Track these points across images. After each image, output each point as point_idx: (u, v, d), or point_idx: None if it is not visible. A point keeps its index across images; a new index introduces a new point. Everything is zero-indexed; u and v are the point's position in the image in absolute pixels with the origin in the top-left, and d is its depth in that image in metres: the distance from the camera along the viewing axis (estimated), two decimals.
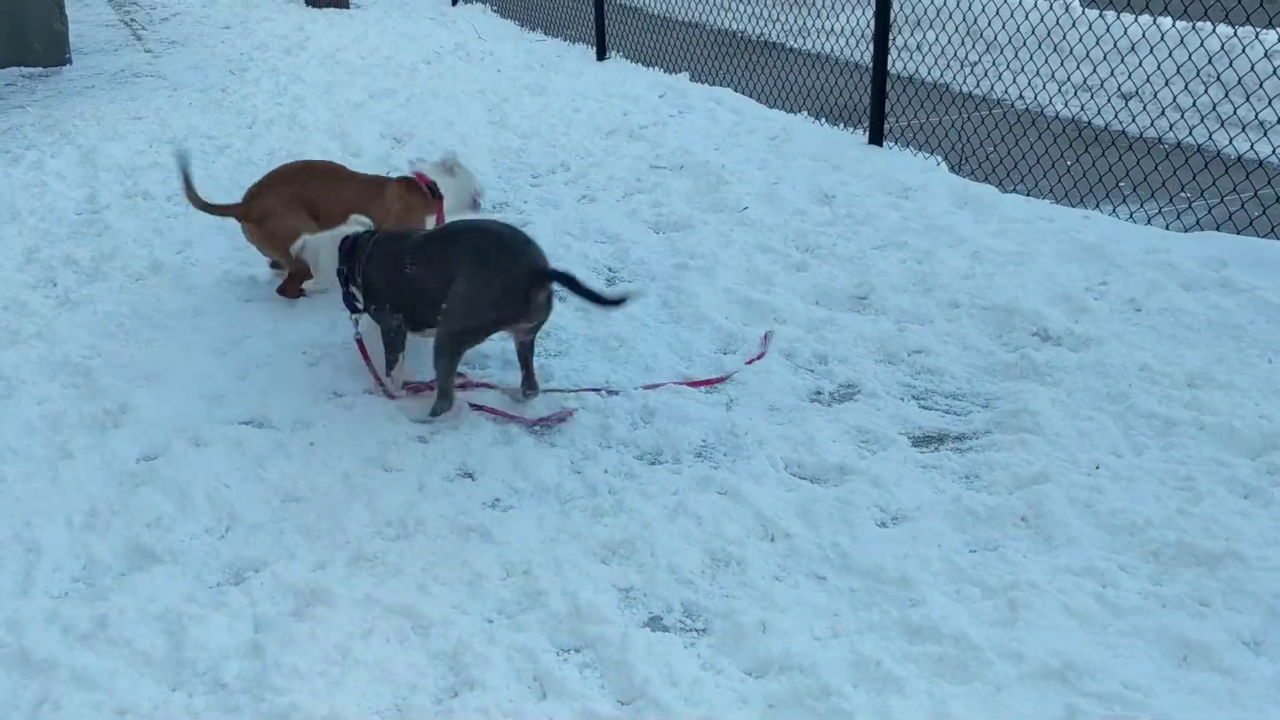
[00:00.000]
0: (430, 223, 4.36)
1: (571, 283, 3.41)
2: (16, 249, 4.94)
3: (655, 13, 10.39)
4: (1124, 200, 5.27)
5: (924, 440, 3.40)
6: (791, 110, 6.84)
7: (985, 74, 7.19)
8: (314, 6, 11.19)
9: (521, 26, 10.13)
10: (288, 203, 4.32)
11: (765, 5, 9.36)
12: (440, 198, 4.42)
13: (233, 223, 5.22)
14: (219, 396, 3.71)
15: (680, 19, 9.72)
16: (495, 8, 10.94)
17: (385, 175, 4.73)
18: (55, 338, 4.11)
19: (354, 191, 4.38)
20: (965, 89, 7.29)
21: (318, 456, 3.37)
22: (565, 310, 4.33)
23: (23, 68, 8.83)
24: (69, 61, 9.03)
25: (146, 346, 4.06)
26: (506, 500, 3.16)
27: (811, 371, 3.81)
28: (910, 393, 3.67)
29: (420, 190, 4.40)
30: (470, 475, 3.29)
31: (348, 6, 11.26)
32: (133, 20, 11.15)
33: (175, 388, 3.76)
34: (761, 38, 9.19)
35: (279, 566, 2.85)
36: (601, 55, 8.65)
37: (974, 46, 7.30)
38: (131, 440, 3.44)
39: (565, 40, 9.39)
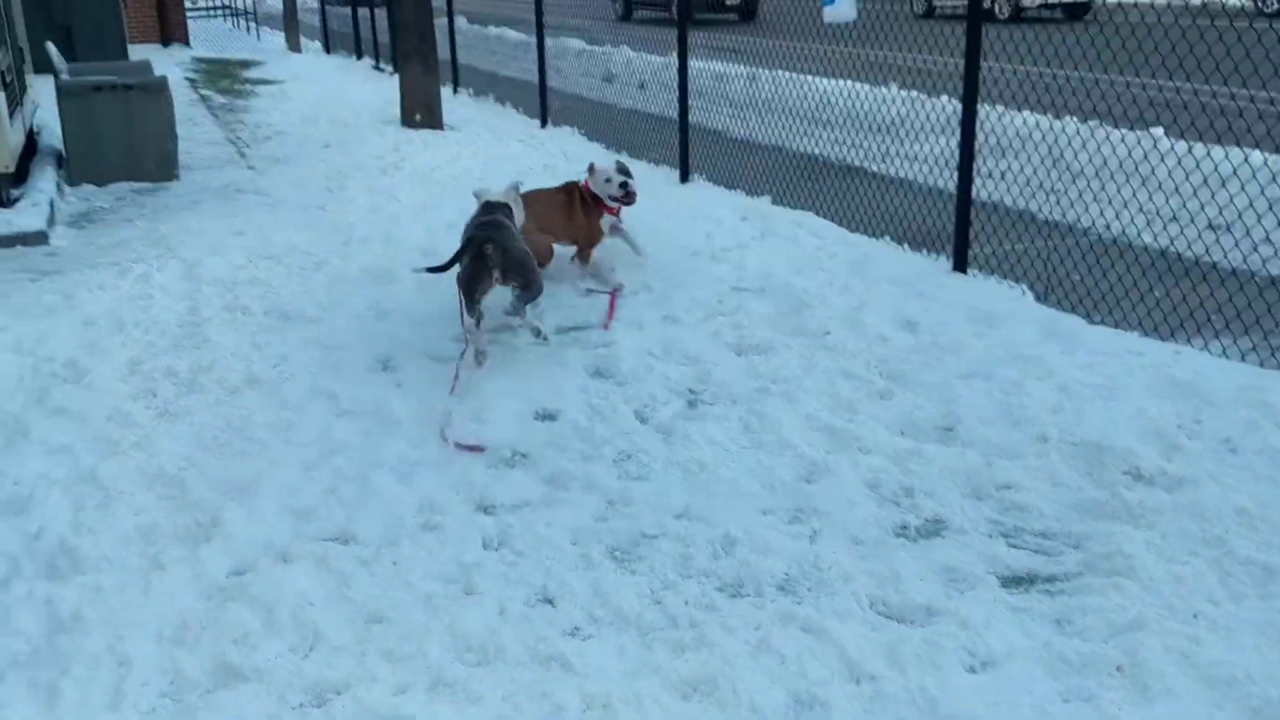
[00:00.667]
0: None
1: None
2: (121, 360, 5.13)
3: (737, 136, 10.63)
4: (1216, 335, 5.19)
5: (1013, 581, 3.33)
6: (874, 235, 6.89)
7: (1071, 203, 7.19)
8: (410, 127, 11.63)
9: (608, 149, 10.40)
10: None
11: (847, 130, 9.50)
12: None
13: (328, 336, 5.41)
14: (307, 512, 3.78)
15: (762, 143, 9.91)
16: (583, 131, 11.25)
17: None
18: (153, 449, 4.24)
19: None
20: (1050, 217, 7.29)
21: (401, 577, 3.40)
22: (646, 432, 4.36)
23: (133, 183, 9.27)
24: (177, 177, 9.46)
25: (239, 459, 4.17)
26: (586, 629, 3.15)
27: (897, 504, 3.77)
28: (999, 530, 3.61)
29: None
30: (550, 601, 3.28)
31: (442, 128, 11.68)
32: (238, 138, 11.68)
33: (265, 502, 3.83)
34: (843, 162, 9.31)
35: (360, 689, 2.85)
36: (685, 178, 8.83)
37: (1059, 176, 7.32)
38: (222, 554, 3.50)
39: (649, 163, 9.60)
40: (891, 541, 3.54)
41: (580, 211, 6.30)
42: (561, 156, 9.97)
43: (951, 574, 3.35)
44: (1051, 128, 7.31)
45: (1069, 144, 6.98)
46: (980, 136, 6.11)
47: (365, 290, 6.19)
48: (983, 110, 6.02)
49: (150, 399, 4.73)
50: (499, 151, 10.33)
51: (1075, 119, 7.61)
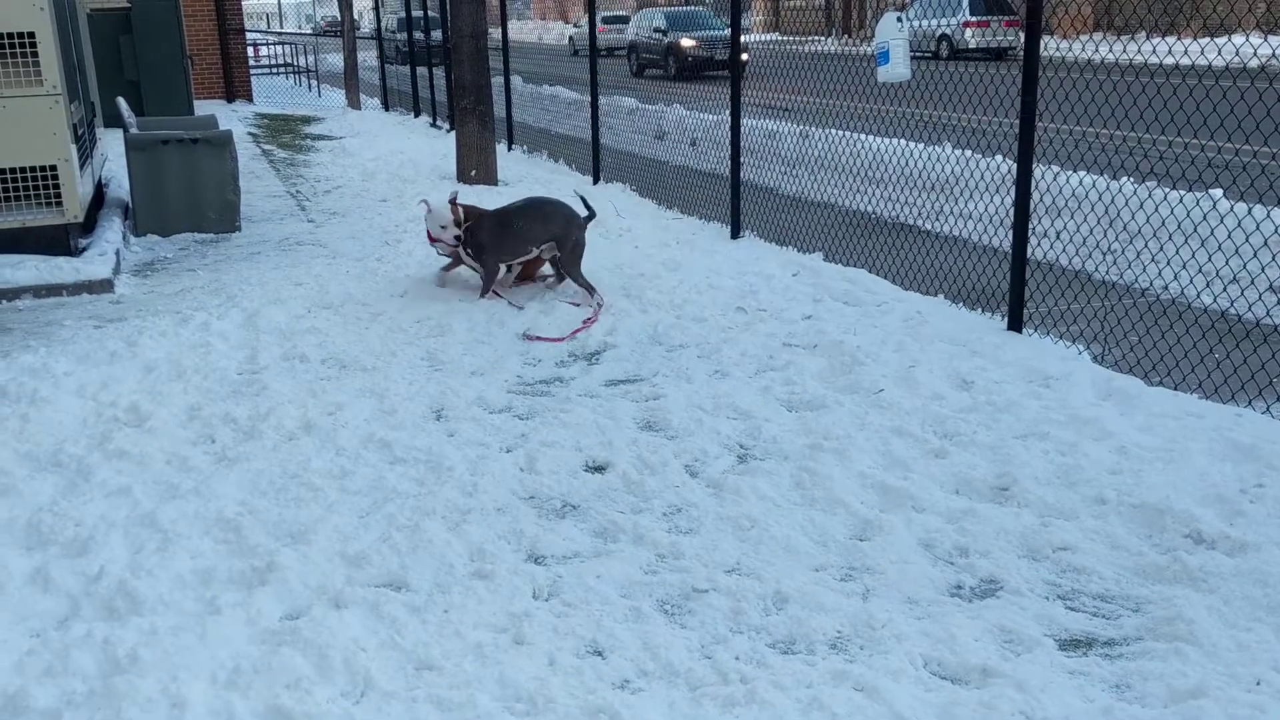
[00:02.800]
0: None
1: None
2: (180, 406, 5.22)
3: (788, 193, 10.68)
4: (1278, 399, 5.10)
5: (1071, 644, 3.27)
6: (927, 293, 6.88)
7: (1129, 264, 7.14)
8: (465, 183, 11.81)
9: (659, 205, 10.49)
10: None
11: (899, 188, 9.53)
12: None
13: (383, 385, 5.48)
14: (360, 558, 3.80)
15: (813, 199, 9.95)
16: (634, 187, 11.37)
17: None
18: (211, 493, 4.30)
19: None
20: (1106, 277, 7.24)
21: (452, 625, 3.40)
22: (697, 487, 4.35)
23: (196, 234, 9.49)
24: (239, 229, 9.67)
25: (295, 505, 4.21)
26: (636, 682, 3.13)
27: (951, 564, 3.73)
28: (1056, 592, 3.55)
29: None
30: (600, 654, 3.27)
31: (496, 183, 11.85)
32: (298, 192, 11.93)
33: (319, 547, 3.87)
34: (895, 220, 9.33)
35: None
36: (736, 233, 8.88)
37: (1115, 236, 7.27)
38: (276, 599, 3.53)
39: (700, 219, 9.67)
40: (946, 601, 3.49)
41: None
42: (612, 212, 10.06)
43: (1008, 635, 3.29)
44: (1108, 188, 7.27)
45: (1125, 204, 6.93)
46: (1035, 195, 6.10)
47: (420, 341, 6.26)
48: (1038, 170, 6.01)
49: (209, 444, 4.81)
50: None
51: (1131, 179, 7.57)
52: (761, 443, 4.75)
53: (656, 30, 29.57)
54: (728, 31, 8.43)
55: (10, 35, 7.59)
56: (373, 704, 3.02)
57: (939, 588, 3.58)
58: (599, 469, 4.56)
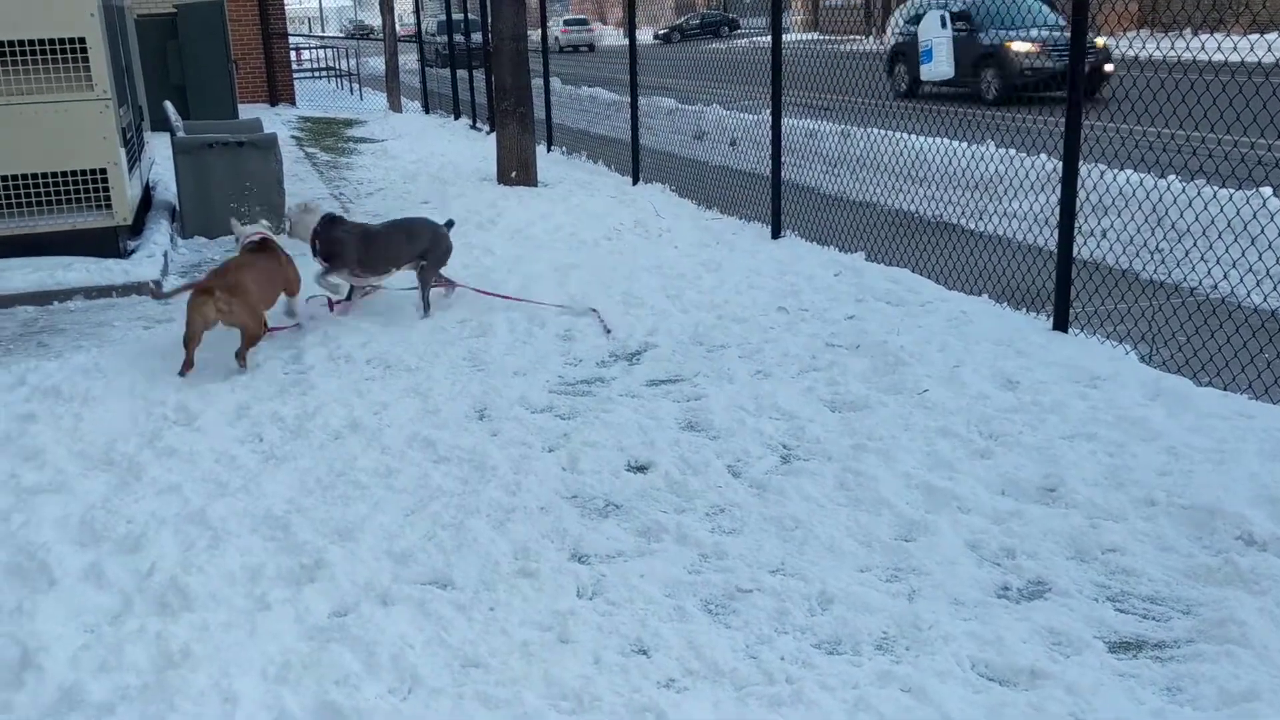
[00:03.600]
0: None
1: None
2: (229, 405, 5.29)
3: (829, 192, 10.63)
4: None
5: (1121, 646, 3.24)
6: (971, 293, 6.83)
7: (1177, 263, 7.05)
8: (505, 184, 11.86)
9: (698, 205, 10.49)
10: None
11: (942, 187, 9.46)
12: None
13: (427, 385, 5.52)
14: (406, 556, 3.84)
15: (855, 199, 9.90)
16: (673, 187, 11.37)
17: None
18: (259, 491, 4.35)
19: None
20: (1153, 276, 7.15)
21: (498, 622, 3.43)
22: (740, 487, 4.35)
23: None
24: (285, 231, 9.76)
25: (341, 503, 4.26)
26: (681, 681, 3.14)
27: (998, 565, 3.70)
28: (1105, 594, 3.51)
29: None
30: (645, 652, 3.28)
31: (536, 185, 11.89)
32: (341, 194, 12.04)
33: (366, 545, 3.91)
34: (938, 219, 9.26)
35: None
36: (776, 233, 8.86)
37: (1163, 235, 7.18)
38: (324, 596, 3.57)
39: (740, 219, 9.66)
40: (993, 603, 3.47)
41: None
42: (652, 213, 10.08)
43: (1056, 637, 3.27)
44: (1155, 186, 7.17)
45: (1174, 202, 6.85)
46: (1081, 194, 6.04)
47: (462, 342, 6.31)
48: (1083, 167, 5.95)
49: (257, 443, 4.87)
50: (591, 207, 10.47)
51: (1179, 177, 7.47)
52: (805, 443, 4.74)
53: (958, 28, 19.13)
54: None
55: (62, 41, 7.72)
56: (420, 700, 3.05)
57: (986, 589, 3.55)
58: (641, 469, 4.57)
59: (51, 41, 7.71)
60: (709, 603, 3.55)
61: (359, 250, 6.69)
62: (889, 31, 21.53)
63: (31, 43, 7.66)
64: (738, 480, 4.43)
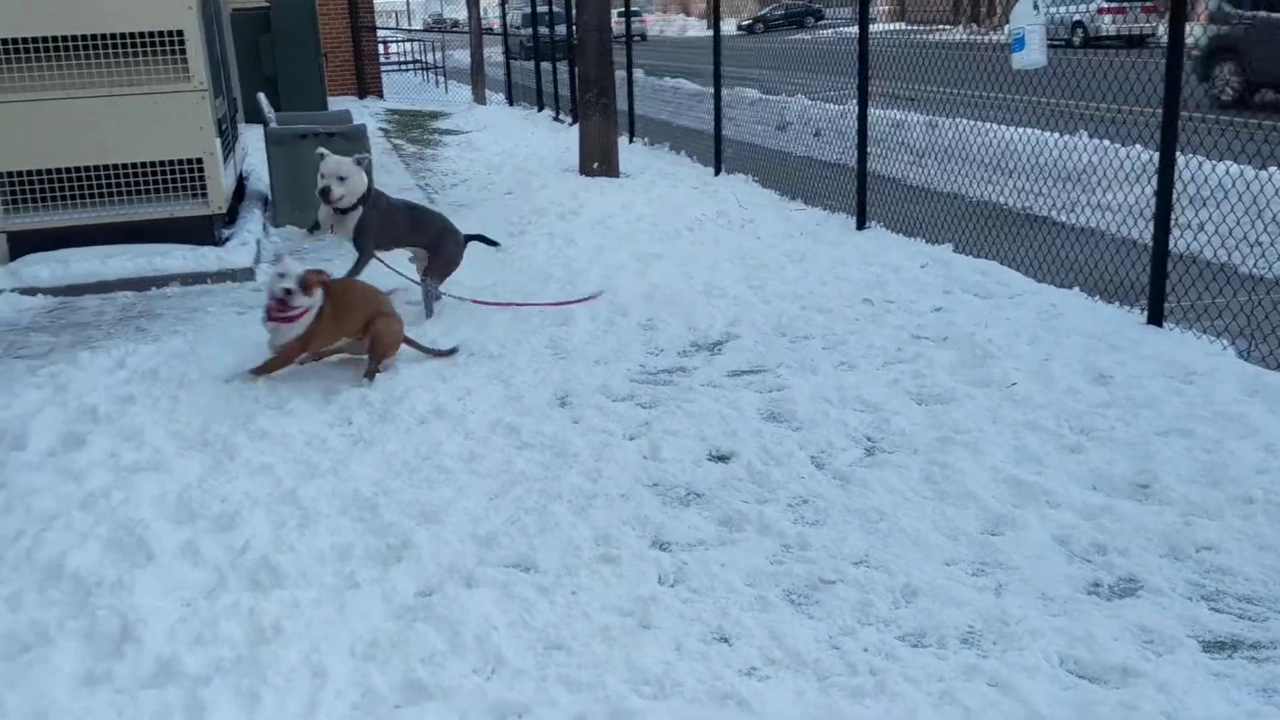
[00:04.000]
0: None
1: None
2: (318, 389, 5.39)
3: (915, 183, 10.50)
4: None
5: (1216, 645, 3.15)
6: (1061, 285, 6.69)
7: (1278, 256, 6.82)
8: (588, 175, 11.92)
9: (781, 196, 10.42)
10: None
11: (1032, 179, 9.28)
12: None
13: (509, 372, 5.58)
14: (490, 539, 3.88)
15: (941, 190, 9.75)
16: (756, 178, 11.31)
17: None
18: (348, 474, 4.44)
19: None
20: (1253, 271, 6.93)
21: (580, 606, 3.45)
22: (823, 478, 4.32)
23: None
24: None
25: (427, 486, 4.32)
26: (763, 670, 3.13)
27: (1088, 561, 3.62)
28: (1199, 592, 3.42)
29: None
30: (726, 640, 3.28)
31: (618, 175, 11.93)
32: (427, 185, 12.20)
33: (451, 528, 3.96)
34: (1028, 211, 9.08)
35: (541, 714, 2.91)
36: (861, 224, 8.77)
37: (1263, 228, 6.96)
38: (410, 576, 3.63)
39: (825, 210, 9.58)
40: (1083, 599, 3.40)
41: None
42: (734, 203, 10.04)
43: (1148, 635, 3.19)
44: (1256, 177, 6.95)
45: (1276, 194, 6.63)
46: (1178, 186, 5.88)
47: (544, 330, 6.35)
48: (1180, 159, 5.79)
49: (346, 426, 4.96)
50: (673, 198, 10.47)
51: None
52: (890, 435, 4.69)
53: None
54: None
55: (161, 34, 7.94)
56: (504, 681, 3.08)
57: (1075, 585, 3.48)
58: (723, 458, 4.56)
59: (151, 34, 7.93)
60: (791, 593, 3.53)
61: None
62: (1199, 16, 14.71)
63: (132, 35, 7.89)
64: (821, 471, 4.40)
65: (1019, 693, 2.91)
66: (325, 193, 6.40)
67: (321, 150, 6.47)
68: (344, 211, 6.51)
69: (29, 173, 7.95)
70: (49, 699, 3.03)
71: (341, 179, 6.38)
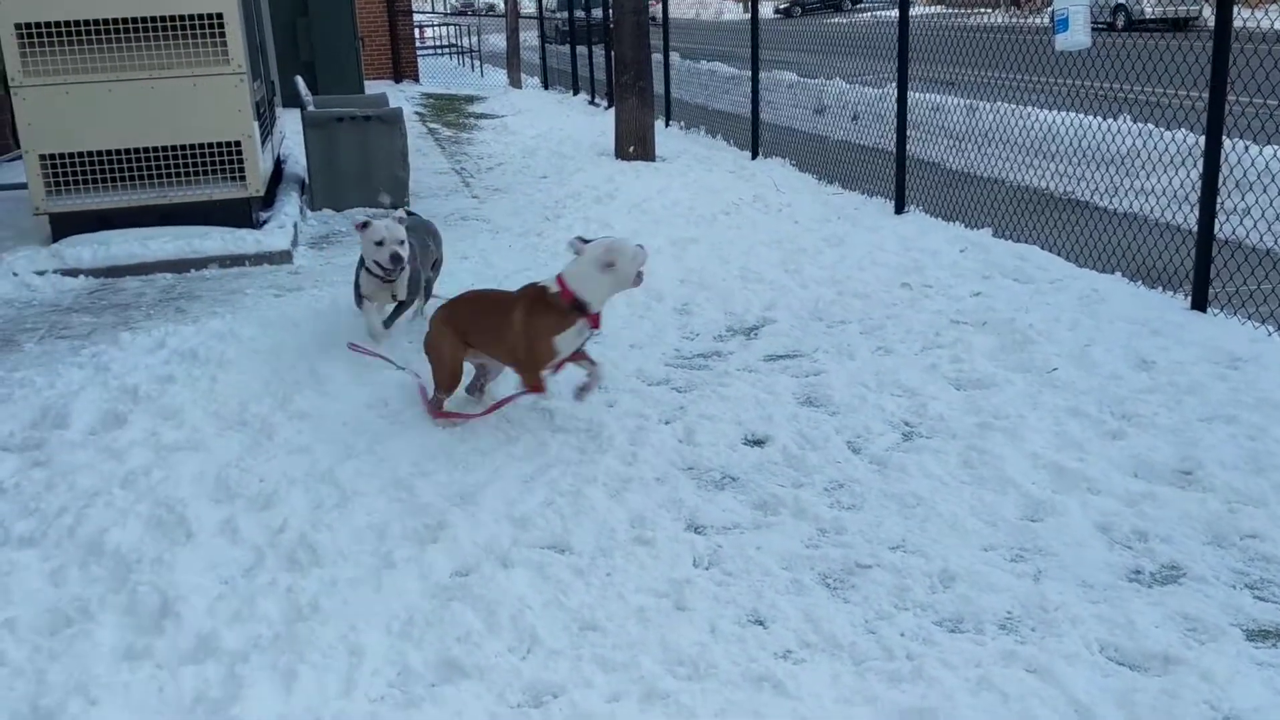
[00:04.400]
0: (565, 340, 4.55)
1: None
2: (357, 371, 5.41)
3: (955, 168, 10.38)
4: None
5: (1260, 634, 3.10)
6: (1103, 270, 6.60)
7: None
8: (623, 159, 11.90)
9: (819, 180, 10.35)
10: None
11: (1073, 164, 9.16)
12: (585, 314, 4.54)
13: None
14: (525, 520, 3.89)
15: (981, 174, 9.65)
16: (793, 162, 11.25)
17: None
18: (385, 454, 4.45)
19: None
20: None
21: (614, 588, 3.45)
22: (859, 463, 4.29)
23: (368, 208, 9.81)
24: (407, 204, 9.96)
25: (463, 468, 4.33)
26: (798, 653, 3.11)
27: (1129, 548, 3.58)
28: (1243, 580, 3.37)
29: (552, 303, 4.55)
30: (762, 623, 3.27)
31: (654, 160, 11.89)
32: (462, 169, 12.22)
33: (487, 509, 3.97)
34: (1069, 196, 8.97)
35: (576, 694, 2.91)
36: (900, 209, 8.70)
37: None
38: (446, 556, 3.64)
39: (862, 194, 9.50)
40: (1124, 586, 3.36)
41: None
42: (771, 187, 9.99)
43: (1191, 623, 3.15)
44: None
45: None
46: (1224, 169, 5.78)
47: None
48: (1226, 143, 5.69)
49: (383, 407, 4.98)
50: (709, 182, 10.43)
51: None
52: (927, 420, 4.65)
53: None
54: None
55: (201, 16, 7.99)
56: (539, 660, 3.09)
57: (1116, 572, 3.44)
58: (758, 443, 4.54)
59: (190, 17, 7.98)
60: (827, 576, 3.51)
61: None
62: None
63: (172, 18, 7.94)
64: (857, 456, 4.37)
65: (1058, 679, 2.88)
66: (396, 259, 5.38)
67: (364, 220, 5.47)
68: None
69: (70, 155, 8.03)
70: (90, 673, 3.07)
71: (402, 241, 5.41)
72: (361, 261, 5.59)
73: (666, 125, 14.66)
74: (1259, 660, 2.97)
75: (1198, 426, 4.36)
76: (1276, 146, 7.71)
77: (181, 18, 7.96)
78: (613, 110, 12.66)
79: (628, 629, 3.23)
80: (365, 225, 5.41)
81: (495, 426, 4.72)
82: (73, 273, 7.59)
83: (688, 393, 5.10)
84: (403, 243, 5.40)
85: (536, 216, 9.29)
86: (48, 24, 7.74)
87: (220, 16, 8.02)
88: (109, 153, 8.09)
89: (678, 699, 2.89)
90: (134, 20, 7.88)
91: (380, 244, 5.36)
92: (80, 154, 8.05)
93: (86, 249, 7.76)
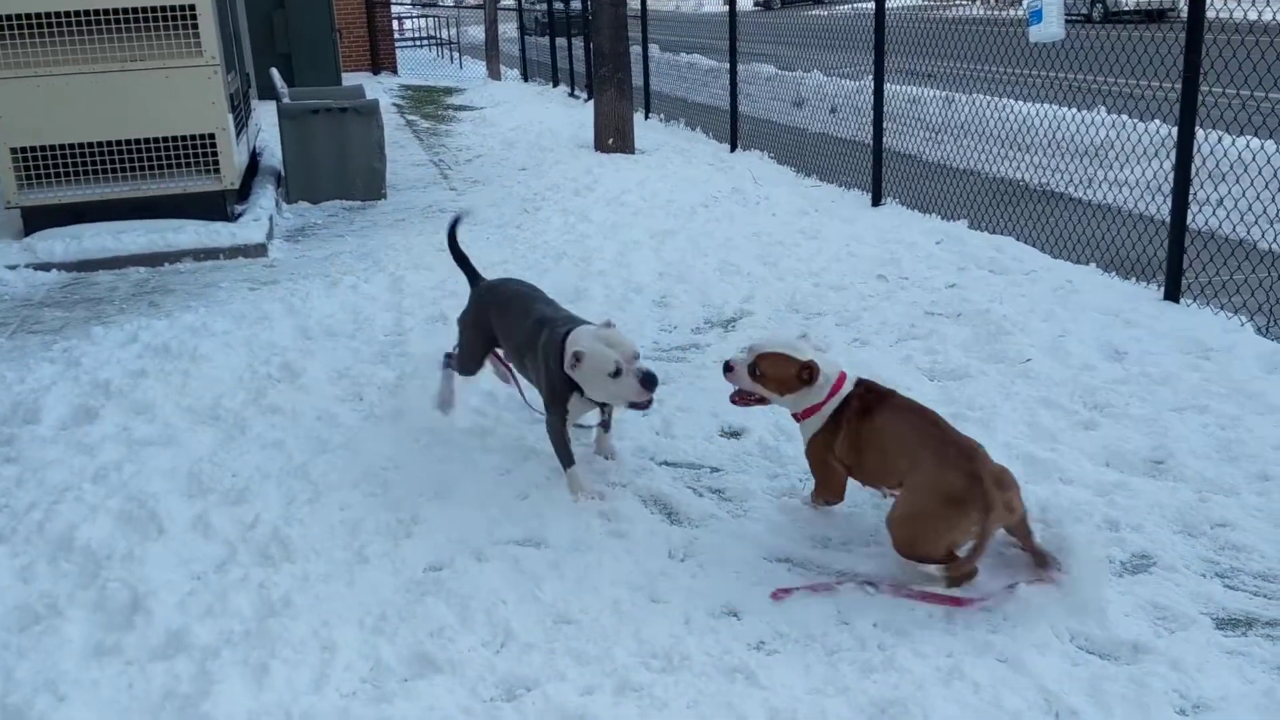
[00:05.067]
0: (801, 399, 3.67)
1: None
2: (330, 365, 5.39)
3: (931, 160, 10.41)
4: None
5: (1229, 623, 3.12)
6: (1078, 262, 6.63)
7: None
8: (602, 152, 11.87)
9: (797, 172, 10.36)
10: None
11: (1048, 155, 9.19)
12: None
13: None
14: (501, 515, 3.88)
15: (957, 166, 9.67)
16: (772, 154, 11.25)
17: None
18: (359, 449, 4.43)
19: None
20: (1272, 247, 6.84)
21: (590, 581, 3.44)
22: None
23: (344, 201, 9.78)
24: (384, 196, 9.93)
25: (438, 463, 4.31)
26: (771, 644, 3.12)
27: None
28: (1213, 569, 3.39)
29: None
30: (735, 614, 3.27)
31: (633, 152, 11.87)
32: (440, 160, 12.18)
33: (461, 503, 3.95)
34: (1044, 187, 9.00)
35: (550, 687, 2.91)
36: (877, 201, 8.71)
37: None
38: (420, 551, 3.63)
39: (840, 186, 9.52)
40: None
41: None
42: (750, 180, 9.99)
43: (1161, 612, 3.17)
44: (1277, 152, 6.87)
45: None
46: (1196, 160, 5.81)
47: None
48: (1199, 134, 5.72)
49: (357, 402, 4.96)
50: (688, 174, 10.43)
51: None
52: None
53: None
54: None
55: (173, 8, 7.92)
56: (513, 654, 3.08)
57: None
58: (735, 434, 4.55)
59: (163, 9, 7.91)
60: (801, 567, 3.51)
61: None
62: None
63: (144, 10, 7.87)
64: None
65: (1029, 668, 2.89)
66: (653, 381, 3.86)
67: (577, 351, 3.86)
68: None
69: (42, 148, 7.96)
70: (59, 670, 3.05)
71: (637, 355, 3.93)
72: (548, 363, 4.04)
73: (646, 118, 14.64)
74: (1228, 649, 2.99)
75: (1170, 416, 4.39)
76: (1249, 137, 7.76)
77: (154, 9, 7.88)
78: (592, 102, 12.62)
79: (602, 622, 3.22)
80: (578, 358, 3.84)
81: (470, 420, 4.70)
82: (45, 267, 7.53)
83: (665, 385, 5.07)
84: (637, 355, 3.90)
85: (515, 209, 9.26)
86: (18, 16, 7.65)
87: (193, 8, 7.95)
88: (81, 146, 8.02)
89: (651, 691, 2.89)
90: (106, 12, 7.80)
91: (618, 375, 3.82)
92: (52, 147, 7.97)
93: (59, 243, 7.69)
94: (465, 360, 4.60)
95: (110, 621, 3.28)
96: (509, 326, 4.33)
